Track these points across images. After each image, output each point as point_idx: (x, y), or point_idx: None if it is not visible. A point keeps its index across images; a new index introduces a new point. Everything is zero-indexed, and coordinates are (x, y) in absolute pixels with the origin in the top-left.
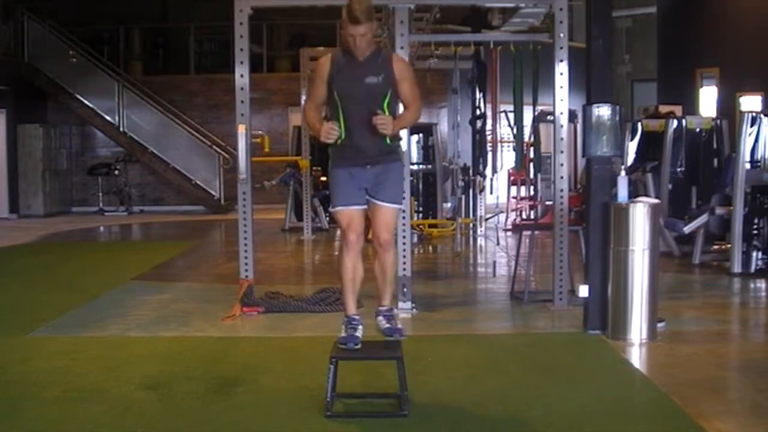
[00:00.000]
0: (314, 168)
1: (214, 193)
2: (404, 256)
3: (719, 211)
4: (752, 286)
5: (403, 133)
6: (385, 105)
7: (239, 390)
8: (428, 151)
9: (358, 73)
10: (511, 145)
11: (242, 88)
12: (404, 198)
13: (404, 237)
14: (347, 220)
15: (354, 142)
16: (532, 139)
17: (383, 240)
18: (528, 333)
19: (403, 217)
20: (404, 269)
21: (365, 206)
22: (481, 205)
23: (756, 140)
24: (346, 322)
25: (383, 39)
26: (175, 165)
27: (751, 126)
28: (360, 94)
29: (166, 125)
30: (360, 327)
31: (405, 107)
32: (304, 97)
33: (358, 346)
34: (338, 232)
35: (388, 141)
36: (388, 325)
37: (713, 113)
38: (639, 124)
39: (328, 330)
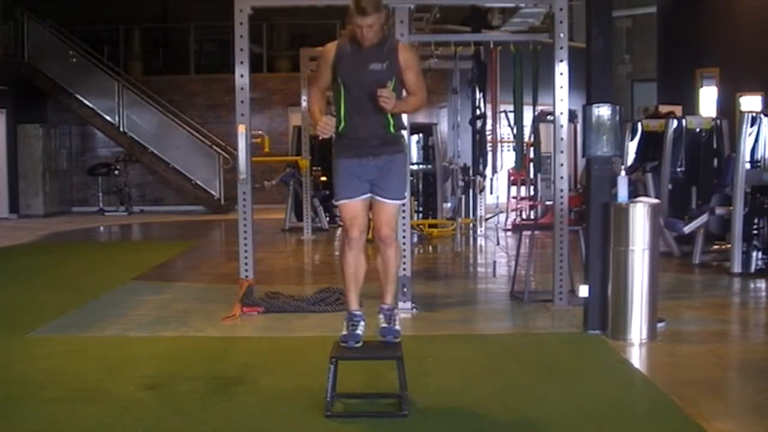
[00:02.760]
0: (314, 168)
1: (214, 193)
2: (404, 256)
3: (719, 211)
4: (752, 286)
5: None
6: (390, 87)
7: (239, 390)
8: (428, 151)
9: (362, 59)
10: (511, 145)
11: (242, 88)
12: (406, 194)
13: (404, 237)
14: (351, 215)
15: (356, 129)
16: (532, 139)
17: (385, 235)
18: (528, 333)
19: (404, 218)
20: (404, 269)
21: (368, 197)
22: (481, 205)
23: (756, 140)
24: (347, 319)
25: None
26: (175, 165)
27: (751, 126)
28: (363, 80)
29: (166, 125)
30: (361, 323)
31: (409, 95)
32: (304, 97)
33: (359, 344)
34: (339, 232)
35: (392, 129)
36: (384, 325)
37: (713, 113)
38: (639, 124)
39: (328, 330)
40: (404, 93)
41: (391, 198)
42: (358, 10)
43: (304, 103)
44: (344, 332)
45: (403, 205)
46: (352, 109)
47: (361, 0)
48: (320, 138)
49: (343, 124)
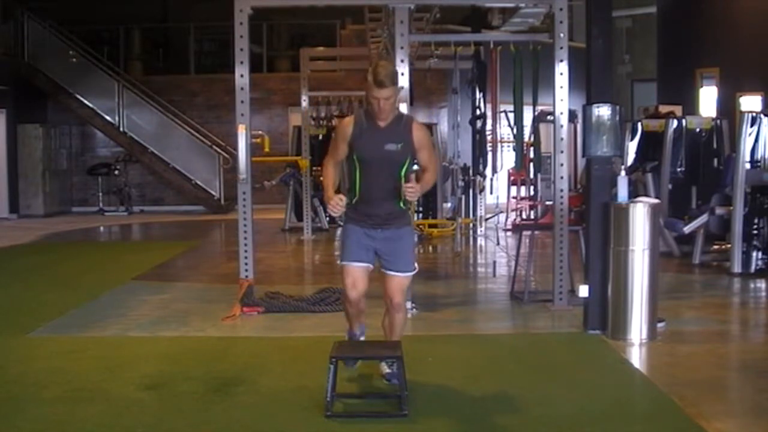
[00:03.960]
0: (314, 168)
1: (214, 193)
2: None
3: (719, 211)
4: (752, 286)
5: None
6: (403, 171)
7: (239, 390)
8: None
9: (379, 138)
10: (511, 145)
11: (242, 88)
12: (415, 264)
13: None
14: (352, 279)
15: (368, 203)
16: (532, 139)
17: (395, 302)
18: (528, 333)
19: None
20: None
21: (371, 266)
22: (481, 205)
23: (756, 140)
24: (349, 336)
25: (383, 41)
26: (175, 165)
27: (751, 126)
28: (379, 159)
29: (166, 125)
30: (362, 337)
31: (423, 171)
32: (304, 97)
33: (362, 336)
34: (339, 232)
35: (401, 205)
36: (388, 371)
37: (713, 113)
38: (639, 124)
39: (328, 330)
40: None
41: (401, 271)
42: (377, 83)
43: (304, 103)
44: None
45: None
46: (366, 183)
47: (379, 73)
48: (323, 138)
49: (357, 196)
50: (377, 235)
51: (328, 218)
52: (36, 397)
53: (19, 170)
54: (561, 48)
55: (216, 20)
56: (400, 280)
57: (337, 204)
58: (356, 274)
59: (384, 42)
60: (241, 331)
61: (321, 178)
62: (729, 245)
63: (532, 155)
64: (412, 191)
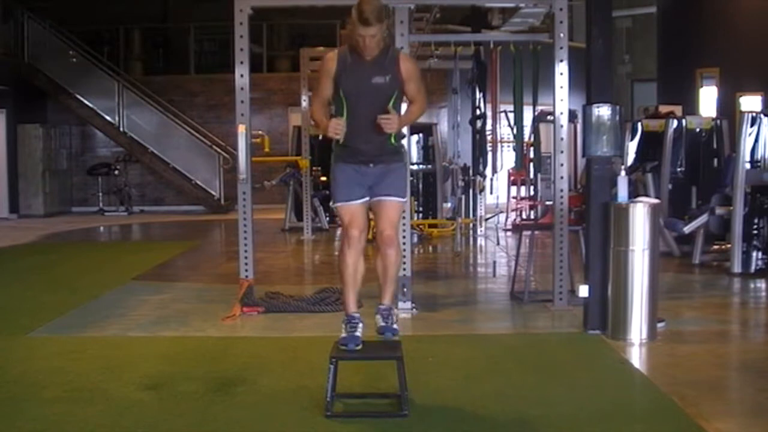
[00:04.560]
0: (314, 168)
1: (214, 193)
2: (404, 256)
3: (719, 211)
4: (752, 286)
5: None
6: (391, 105)
7: (239, 390)
8: (428, 151)
9: (365, 72)
10: (511, 145)
11: (242, 88)
12: (407, 196)
13: (404, 237)
14: (349, 216)
15: (358, 140)
16: (532, 139)
17: (386, 235)
18: (528, 333)
19: (404, 218)
20: (404, 269)
21: (367, 201)
22: (481, 205)
23: (756, 140)
24: (345, 321)
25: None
26: (175, 165)
27: (751, 126)
28: (366, 94)
29: (166, 125)
30: (360, 325)
31: (410, 103)
32: (304, 97)
33: (359, 347)
34: (339, 232)
35: (392, 140)
36: (382, 323)
37: (713, 113)
38: (639, 124)
39: (328, 330)
40: (404, 101)
41: (391, 195)
42: (361, 21)
43: (304, 103)
44: (343, 335)
45: (403, 210)
46: (354, 120)
47: (365, 10)
48: (323, 137)
49: (346, 133)
50: (369, 171)
51: (328, 218)
52: (36, 397)
53: (19, 170)
54: (561, 48)
55: (216, 20)
56: (389, 206)
57: (337, 125)
58: (352, 209)
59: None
60: (241, 331)
61: (321, 179)
62: (729, 245)
63: (532, 155)
64: (387, 121)
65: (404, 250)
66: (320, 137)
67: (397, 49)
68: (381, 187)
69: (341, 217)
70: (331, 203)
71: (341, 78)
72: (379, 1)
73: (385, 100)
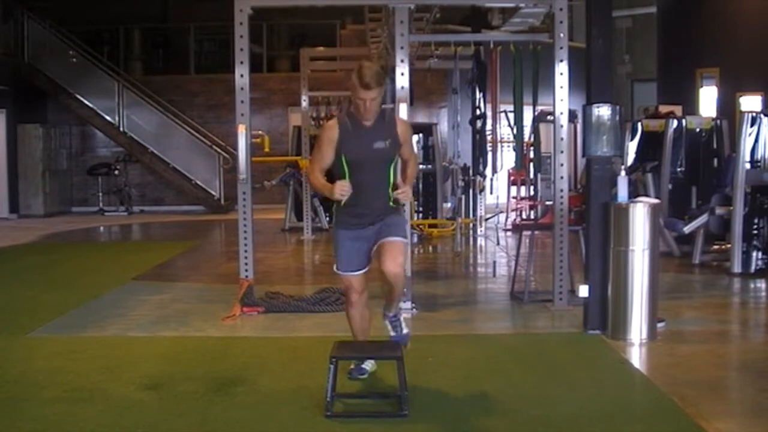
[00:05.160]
0: None
1: (214, 193)
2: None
3: (719, 211)
4: (752, 286)
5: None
6: (391, 169)
7: (239, 390)
8: (428, 151)
9: (366, 138)
10: (511, 145)
11: (242, 88)
12: (408, 239)
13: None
14: (349, 283)
15: (360, 204)
16: (532, 139)
17: (393, 274)
18: (528, 333)
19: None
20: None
21: (367, 268)
22: (481, 205)
23: (756, 140)
24: (356, 364)
25: (383, 41)
26: (175, 165)
27: (751, 126)
28: (368, 159)
29: (166, 125)
30: (369, 362)
31: (404, 162)
32: (304, 97)
33: (365, 376)
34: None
35: (391, 203)
36: (392, 333)
37: (713, 113)
38: (639, 124)
39: (328, 330)
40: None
41: (393, 236)
42: (363, 85)
43: (304, 103)
44: (352, 366)
45: (403, 204)
46: (356, 185)
47: (365, 75)
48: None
49: (347, 198)
50: (369, 232)
51: (328, 218)
52: (36, 397)
53: (19, 170)
54: (561, 48)
55: (216, 20)
56: (393, 245)
57: (343, 187)
58: (353, 281)
59: (384, 42)
60: (241, 331)
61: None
62: (729, 245)
63: (532, 155)
64: (404, 194)
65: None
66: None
67: (392, 111)
68: (384, 233)
69: (342, 282)
70: (334, 268)
71: (344, 145)
72: (379, 66)
73: (387, 164)
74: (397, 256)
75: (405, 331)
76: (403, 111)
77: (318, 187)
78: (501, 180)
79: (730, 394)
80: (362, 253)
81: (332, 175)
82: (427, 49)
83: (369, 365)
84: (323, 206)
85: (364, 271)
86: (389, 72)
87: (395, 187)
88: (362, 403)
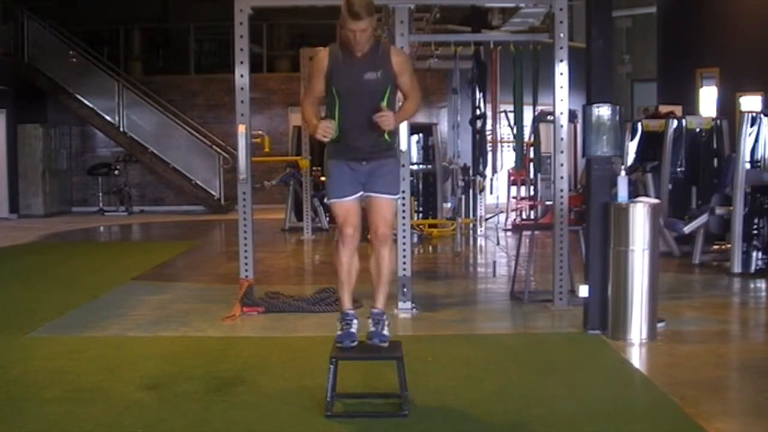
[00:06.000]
0: (314, 168)
1: (214, 193)
2: (404, 256)
3: (719, 211)
4: (752, 286)
5: (403, 132)
6: (385, 100)
7: (239, 390)
8: (428, 151)
9: (356, 69)
10: (511, 145)
11: (242, 88)
12: (402, 192)
13: (404, 237)
14: (344, 213)
15: (351, 138)
16: (532, 139)
17: (380, 233)
18: (528, 333)
19: (403, 217)
20: (404, 269)
21: (360, 196)
22: (481, 205)
23: (756, 140)
24: (340, 318)
25: (383, 37)
26: (175, 165)
27: (751, 126)
28: (359, 91)
29: (166, 125)
30: (355, 321)
31: (404, 98)
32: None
33: (355, 343)
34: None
35: (387, 137)
36: (372, 328)
37: (713, 113)
38: (639, 124)
39: (328, 330)
40: (399, 96)
41: (383, 192)
42: (351, 15)
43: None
44: (339, 332)
45: (403, 204)
46: (347, 117)
47: (354, 4)
48: (319, 140)
49: (337, 132)
50: (362, 168)
51: (327, 218)
52: (36, 397)
53: (19, 170)
54: (561, 48)
55: (216, 20)
56: (382, 204)
57: (327, 127)
58: (346, 206)
59: (383, 37)
60: (241, 331)
61: (321, 178)
62: (729, 245)
63: (532, 155)
64: (383, 119)
65: (404, 250)
66: (318, 139)
67: (388, 43)
68: (373, 184)
69: (335, 214)
70: (325, 199)
71: (333, 75)
72: None
73: (379, 96)
74: (386, 215)
75: (386, 332)
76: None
77: (306, 120)
78: (501, 180)
79: (730, 394)
80: (356, 182)
81: (328, 107)
82: (427, 49)
83: (355, 327)
84: (323, 206)
85: (357, 196)
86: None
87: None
88: (362, 403)
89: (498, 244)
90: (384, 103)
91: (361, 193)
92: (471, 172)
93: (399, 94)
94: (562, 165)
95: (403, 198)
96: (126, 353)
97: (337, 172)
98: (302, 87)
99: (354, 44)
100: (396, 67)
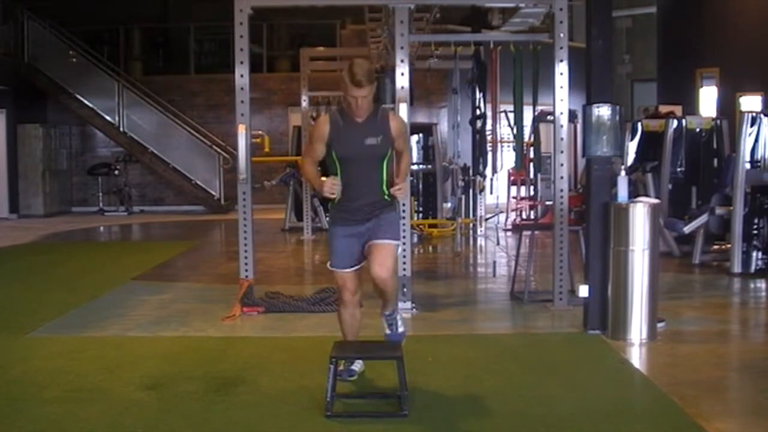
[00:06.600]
0: None
1: (214, 193)
2: (404, 256)
3: (719, 211)
4: (752, 286)
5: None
6: (384, 164)
7: (239, 390)
8: (428, 151)
9: (357, 134)
10: (511, 145)
11: (242, 88)
12: (402, 238)
13: (404, 237)
14: (343, 281)
15: (353, 200)
16: (532, 139)
17: (380, 280)
18: (528, 333)
19: (404, 217)
20: (404, 269)
21: (361, 264)
22: (481, 205)
23: (756, 140)
24: (347, 365)
25: (383, 41)
26: (175, 165)
27: (751, 126)
28: (360, 155)
29: (166, 125)
30: (358, 362)
31: (397, 156)
32: (304, 97)
33: (354, 378)
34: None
35: (386, 197)
36: (387, 331)
37: (713, 113)
38: (639, 124)
39: (328, 330)
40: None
41: (382, 238)
42: (354, 83)
43: (304, 103)
44: (341, 368)
45: (403, 204)
46: (348, 181)
47: (357, 74)
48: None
49: (340, 195)
50: (363, 228)
51: (328, 218)
52: (36, 397)
53: (19, 170)
54: (561, 48)
55: (216, 20)
56: (382, 248)
57: (332, 185)
58: (346, 276)
59: (384, 42)
60: (241, 331)
61: (321, 178)
62: (729, 245)
63: (532, 155)
64: (400, 191)
65: (404, 249)
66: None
67: (386, 109)
68: (375, 233)
69: (336, 280)
70: (327, 264)
71: (334, 142)
72: (370, 63)
73: (379, 160)
74: (386, 260)
75: (401, 329)
76: (403, 111)
77: (309, 179)
78: (501, 180)
79: (730, 394)
80: (356, 250)
81: (327, 168)
82: (427, 49)
83: (358, 366)
84: (323, 206)
85: (357, 267)
86: (388, 72)
87: (391, 184)
88: (362, 403)
89: (498, 244)
90: (384, 166)
91: (361, 265)
92: (471, 172)
93: None
94: (562, 165)
95: (402, 238)
96: (126, 353)
97: (339, 242)
98: (302, 87)
99: (355, 109)
100: (394, 132)
